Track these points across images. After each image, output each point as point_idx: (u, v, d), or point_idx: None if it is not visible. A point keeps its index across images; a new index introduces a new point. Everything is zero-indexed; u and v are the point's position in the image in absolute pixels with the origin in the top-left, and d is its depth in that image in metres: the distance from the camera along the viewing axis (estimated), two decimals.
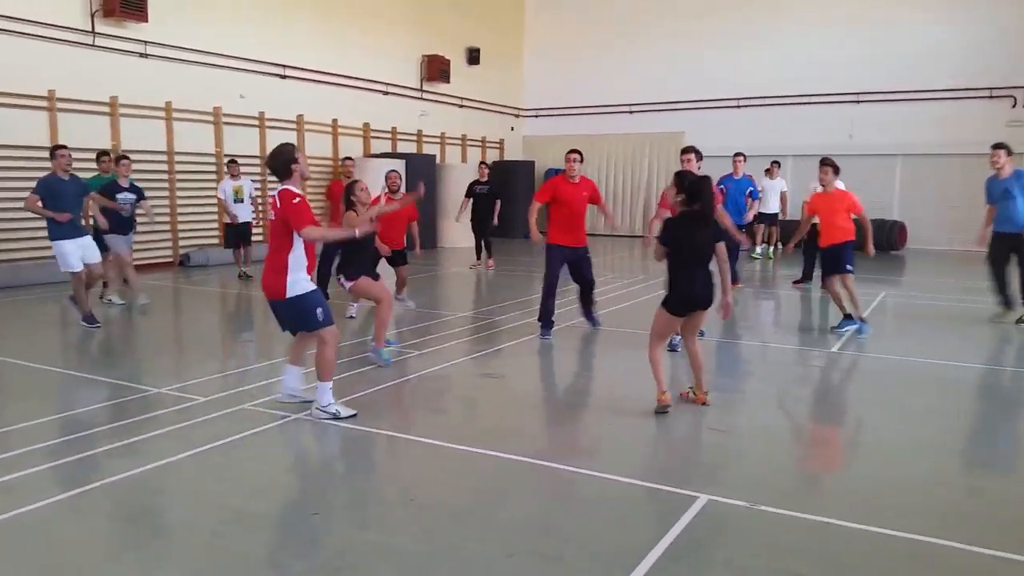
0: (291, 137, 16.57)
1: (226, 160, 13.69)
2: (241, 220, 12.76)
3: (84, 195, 8.99)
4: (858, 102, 19.62)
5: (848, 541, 3.69)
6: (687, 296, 5.53)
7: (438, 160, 19.99)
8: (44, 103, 12.14)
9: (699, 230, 5.47)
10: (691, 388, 5.90)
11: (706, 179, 5.62)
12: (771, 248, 16.75)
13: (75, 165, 8.92)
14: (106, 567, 3.39)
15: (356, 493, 4.35)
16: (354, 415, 5.33)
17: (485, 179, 14.69)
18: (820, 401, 6.52)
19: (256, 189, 13.87)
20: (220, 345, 8.60)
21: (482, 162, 15.02)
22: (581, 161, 8.37)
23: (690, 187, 5.52)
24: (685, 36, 21.47)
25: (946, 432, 5.46)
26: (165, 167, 13.99)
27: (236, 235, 12.81)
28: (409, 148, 19.59)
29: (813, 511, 3.99)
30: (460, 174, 19.62)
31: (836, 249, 8.45)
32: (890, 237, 17.60)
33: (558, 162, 23.37)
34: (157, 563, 3.44)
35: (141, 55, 13.46)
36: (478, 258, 14.50)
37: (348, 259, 7.19)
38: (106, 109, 13.03)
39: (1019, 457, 5.22)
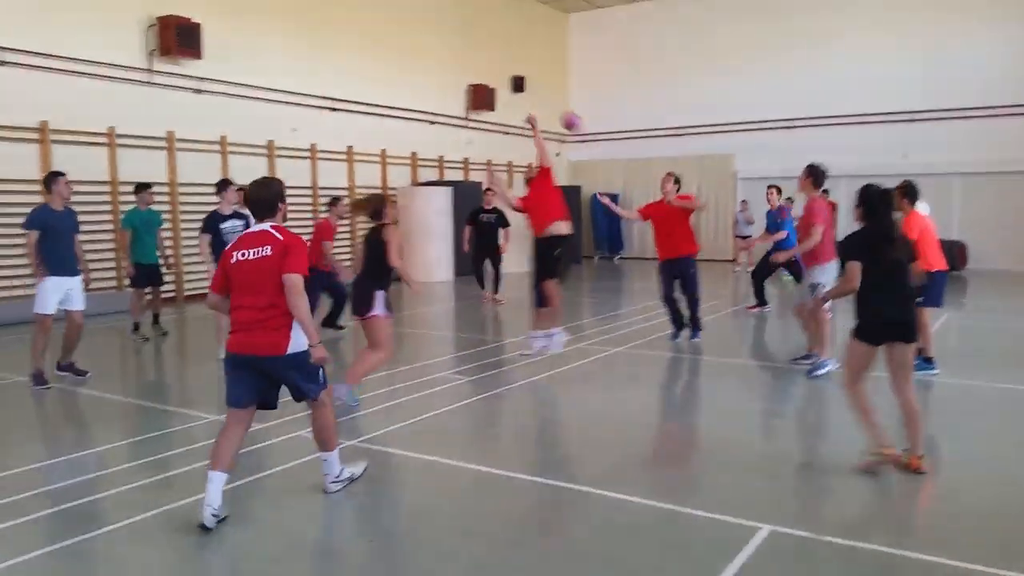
0: (342, 168, 16.86)
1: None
2: None
3: (76, 230, 7.64)
4: (912, 121, 19.23)
5: (918, 574, 3.53)
6: (878, 321, 4.84)
7: (484, 187, 20.10)
8: (104, 139, 12.56)
9: (884, 245, 4.83)
10: (905, 450, 4.88)
11: (887, 192, 4.97)
12: None
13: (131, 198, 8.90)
14: None
15: (410, 520, 4.32)
16: (366, 468, 4.76)
17: (491, 207, 13.43)
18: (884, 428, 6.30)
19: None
20: None
21: (488, 189, 13.70)
22: (675, 183, 9.25)
23: (868, 200, 4.91)
24: (732, 58, 21.32)
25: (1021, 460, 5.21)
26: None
27: None
28: (456, 176, 19.77)
29: (881, 542, 3.84)
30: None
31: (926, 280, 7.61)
32: (950, 258, 17.08)
33: (604, 187, 23.47)
34: None
35: (196, 91, 13.86)
36: (483, 288, 13.42)
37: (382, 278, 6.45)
38: (163, 144, 13.42)
39: None
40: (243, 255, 4.20)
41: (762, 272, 11.54)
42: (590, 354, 8.72)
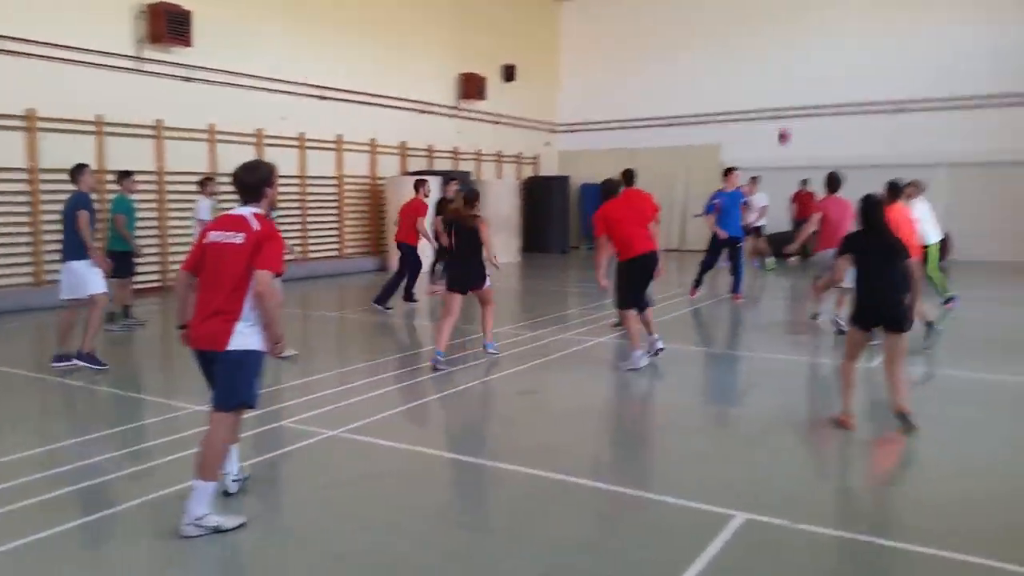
0: (331, 157, 16.84)
1: (200, 178, 12.04)
2: None
3: None
4: (899, 111, 19.31)
5: (898, 562, 3.62)
6: (867, 309, 5.49)
7: (473, 177, 20.12)
8: (92, 128, 12.51)
9: (875, 243, 5.51)
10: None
11: (874, 201, 5.62)
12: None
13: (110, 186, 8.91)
14: None
15: (392, 509, 4.37)
16: (241, 525, 3.95)
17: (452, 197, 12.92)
18: (863, 416, 6.39)
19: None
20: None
21: (452, 178, 13.30)
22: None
23: (860, 207, 5.66)
24: (720, 48, 21.36)
25: (1001, 450, 5.30)
26: None
27: None
28: (445, 165, 19.76)
29: (860, 530, 3.92)
30: (496, 190, 19.74)
31: None
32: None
33: (593, 177, 23.43)
34: None
35: (185, 79, 13.81)
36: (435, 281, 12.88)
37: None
38: (152, 132, 13.37)
39: None
40: (217, 236, 3.96)
41: (709, 261, 12.13)
42: (571, 344, 8.79)
